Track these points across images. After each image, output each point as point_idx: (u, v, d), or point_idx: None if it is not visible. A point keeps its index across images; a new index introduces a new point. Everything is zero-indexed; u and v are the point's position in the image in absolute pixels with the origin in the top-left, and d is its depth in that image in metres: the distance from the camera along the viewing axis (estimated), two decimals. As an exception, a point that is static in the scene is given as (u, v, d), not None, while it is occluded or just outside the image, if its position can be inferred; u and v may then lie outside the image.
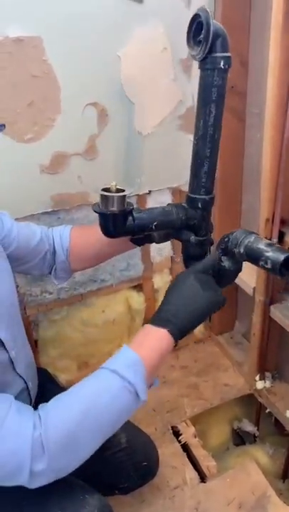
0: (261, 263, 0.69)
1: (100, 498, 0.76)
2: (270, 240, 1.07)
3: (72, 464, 0.62)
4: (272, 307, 1.19)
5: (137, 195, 1.23)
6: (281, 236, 1.09)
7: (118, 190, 0.75)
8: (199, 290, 0.67)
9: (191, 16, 1.06)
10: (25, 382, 0.81)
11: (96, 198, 1.16)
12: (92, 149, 1.08)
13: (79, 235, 0.94)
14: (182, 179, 1.27)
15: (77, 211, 1.16)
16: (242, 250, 0.72)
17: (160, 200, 1.27)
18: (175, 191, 1.29)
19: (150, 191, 1.24)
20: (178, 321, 0.66)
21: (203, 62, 0.70)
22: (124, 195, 0.75)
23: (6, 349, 0.74)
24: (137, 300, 1.42)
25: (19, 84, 0.94)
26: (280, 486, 1.28)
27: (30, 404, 0.69)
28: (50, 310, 1.27)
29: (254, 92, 1.17)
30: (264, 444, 1.41)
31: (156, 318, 0.67)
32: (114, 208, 0.74)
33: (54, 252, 0.94)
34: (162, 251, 1.40)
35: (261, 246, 0.70)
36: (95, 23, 0.97)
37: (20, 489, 0.62)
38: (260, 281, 1.18)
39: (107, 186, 0.75)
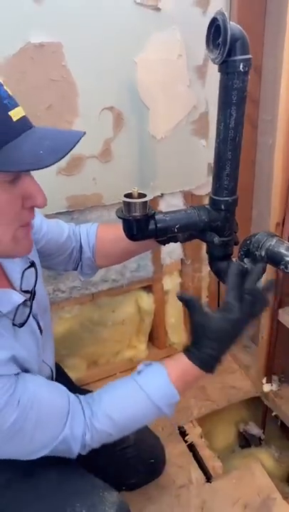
0: (281, 267, 0.71)
1: (118, 495, 0.79)
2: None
3: None
4: (280, 310, 1.20)
5: (150, 197, 1.25)
6: (291, 240, 1.10)
7: (140, 195, 0.77)
8: (233, 336, 0.73)
9: (207, 23, 1.09)
10: (51, 370, 0.85)
11: (110, 200, 1.20)
12: (107, 152, 1.11)
13: (105, 232, 0.96)
14: (194, 183, 1.30)
15: (91, 212, 1.19)
16: (263, 253, 0.74)
17: (172, 203, 1.30)
18: (187, 194, 1.31)
19: (162, 194, 1.27)
20: (217, 364, 0.74)
21: (222, 66, 0.69)
22: (146, 201, 0.76)
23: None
24: (147, 301, 1.43)
25: (39, 88, 0.97)
26: (286, 490, 1.28)
27: None
28: (62, 308, 1.30)
29: (267, 98, 1.19)
30: (270, 448, 1.42)
31: (201, 360, 0.73)
32: (137, 214, 0.76)
33: (80, 249, 0.96)
34: (172, 254, 1.42)
35: (282, 250, 0.71)
36: (113, 29, 0.99)
37: (45, 485, 0.74)
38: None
39: (129, 192, 0.77)
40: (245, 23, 1.09)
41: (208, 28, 0.68)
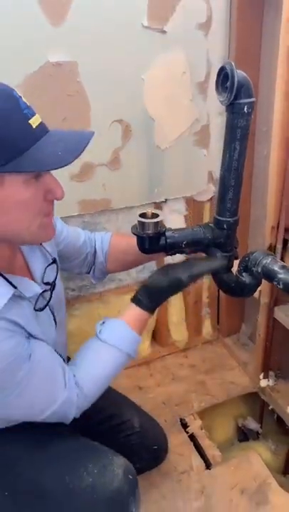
0: (274, 283, 0.82)
1: (125, 460, 0.87)
2: (275, 247, 1.18)
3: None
4: (276, 308, 1.28)
5: (154, 202, 1.35)
6: (285, 243, 1.19)
7: (153, 215, 0.87)
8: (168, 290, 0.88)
9: (208, 44, 1.18)
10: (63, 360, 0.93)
11: (118, 204, 1.29)
12: (116, 161, 1.21)
13: (118, 242, 1.06)
14: (195, 189, 1.39)
15: (100, 216, 1.28)
16: (259, 270, 0.85)
17: (175, 208, 1.39)
18: (189, 200, 1.41)
19: (166, 200, 1.36)
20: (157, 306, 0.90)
21: (229, 107, 0.77)
22: (158, 221, 0.86)
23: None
24: (151, 300, 1.52)
25: (56, 102, 1.07)
26: (282, 480, 1.35)
27: None
28: (71, 306, 1.38)
29: (263, 111, 1.29)
30: (267, 441, 1.49)
31: (148, 307, 0.87)
32: (150, 231, 0.86)
33: (95, 254, 1.06)
34: (175, 255, 1.50)
35: (276, 268, 0.82)
36: (123, 50, 1.10)
37: (60, 451, 0.84)
38: (265, 285, 1.28)
39: (144, 211, 0.87)
40: (243, 43, 1.21)
41: (218, 74, 0.77)
